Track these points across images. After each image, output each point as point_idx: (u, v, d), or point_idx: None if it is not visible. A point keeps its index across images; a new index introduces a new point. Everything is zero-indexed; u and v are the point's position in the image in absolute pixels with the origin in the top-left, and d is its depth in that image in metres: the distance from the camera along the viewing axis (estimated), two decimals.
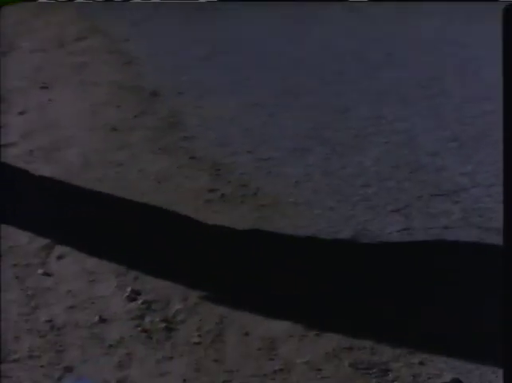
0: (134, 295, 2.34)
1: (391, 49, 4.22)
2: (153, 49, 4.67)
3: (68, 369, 2.06)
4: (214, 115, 3.63)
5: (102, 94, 3.97)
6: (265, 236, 2.61)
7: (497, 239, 2.26)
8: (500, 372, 1.40)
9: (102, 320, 2.23)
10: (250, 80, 4.08)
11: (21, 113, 3.75)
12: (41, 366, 2.08)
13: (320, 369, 1.98)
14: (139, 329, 2.19)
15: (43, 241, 2.61)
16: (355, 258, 2.48)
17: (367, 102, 3.63)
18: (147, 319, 2.23)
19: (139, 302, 2.31)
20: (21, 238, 2.64)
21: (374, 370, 1.96)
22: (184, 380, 1.99)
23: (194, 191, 2.94)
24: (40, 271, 2.47)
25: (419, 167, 3.02)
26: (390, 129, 3.36)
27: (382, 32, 4.42)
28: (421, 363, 1.98)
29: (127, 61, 4.50)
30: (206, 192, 2.92)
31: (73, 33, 5.03)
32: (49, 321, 2.24)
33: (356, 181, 2.95)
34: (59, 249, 2.58)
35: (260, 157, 3.19)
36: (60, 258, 2.54)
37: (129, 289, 2.36)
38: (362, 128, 3.37)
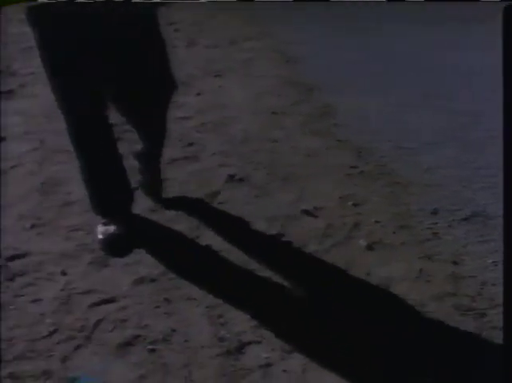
0: None
1: None
2: (310, 52, 5.09)
3: None
4: (361, 109, 3.98)
5: (265, 85, 4.42)
6: (392, 206, 3.00)
7: None
8: None
9: None
10: (395, 82, 4.39)
11: (197, 94, 4.30)
12: None
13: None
14: None
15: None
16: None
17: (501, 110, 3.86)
18: None
19: None
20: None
21: (472, 313, 2.30)
22: None
23: (338, 166, 3.30)
24: None
25: None
26: None
27: None
28: None
29: (288, 60, 4.97)
30: (347, 168, 3.27)
31: (243, 33, 5.58)
32: None
33: (483, 172, 3.19)
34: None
35: (399, 146, 3.49)
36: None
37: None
38: (494, 131, 3.62)
